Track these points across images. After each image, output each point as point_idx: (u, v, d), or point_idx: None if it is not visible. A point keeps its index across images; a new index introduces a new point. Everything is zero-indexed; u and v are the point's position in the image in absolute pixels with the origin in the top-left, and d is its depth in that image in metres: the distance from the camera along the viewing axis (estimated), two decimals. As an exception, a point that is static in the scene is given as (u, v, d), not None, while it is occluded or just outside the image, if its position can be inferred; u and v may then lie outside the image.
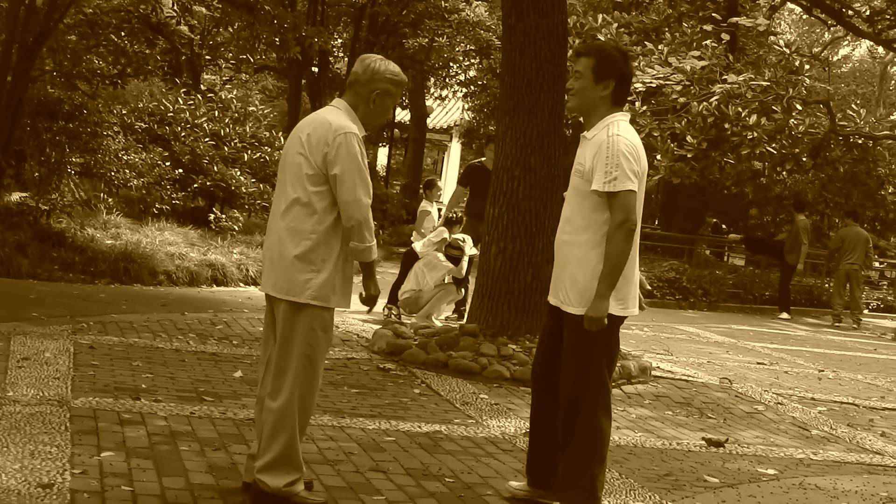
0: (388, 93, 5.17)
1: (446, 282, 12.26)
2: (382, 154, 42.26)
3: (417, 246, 12.59)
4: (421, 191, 22.21)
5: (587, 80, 5.13)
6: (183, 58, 26.60)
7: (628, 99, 16.54)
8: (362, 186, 4.90)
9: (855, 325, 20.00)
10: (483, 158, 13.89)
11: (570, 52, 5.51)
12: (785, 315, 20.05)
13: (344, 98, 5.21)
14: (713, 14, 17.91)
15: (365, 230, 4.91)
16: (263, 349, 5.22)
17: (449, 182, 36.05)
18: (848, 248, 20.27)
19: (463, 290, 12.56)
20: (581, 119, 5.33)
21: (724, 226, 30.98)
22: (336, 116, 5.04)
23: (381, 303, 13.24)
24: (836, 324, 20.19)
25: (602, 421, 5.08)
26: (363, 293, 5.18)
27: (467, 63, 32.18)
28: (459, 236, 12.33)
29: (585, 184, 5.05)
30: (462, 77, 32.99)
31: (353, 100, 5.16)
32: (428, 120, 36.77)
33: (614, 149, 4.97)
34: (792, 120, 17.95)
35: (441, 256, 12.18)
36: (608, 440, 5.16)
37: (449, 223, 12.50)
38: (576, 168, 5.16)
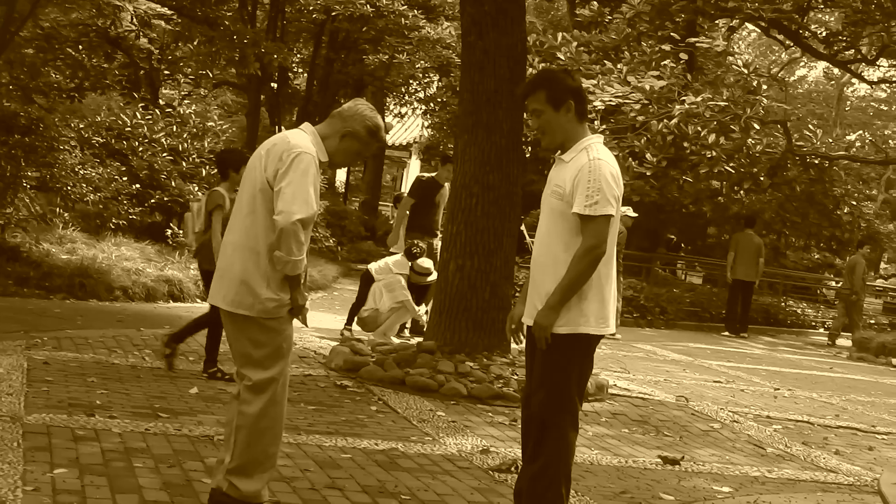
0: (358, 136, 5.14)
1: (403, 301, 12.18)
2: (341, 171, 42.21)
3: (373, 267, 12.52)
4: (392, 206, 22.24)
5: (549, 113, 5.06)
6: (141, 72, 26.45)
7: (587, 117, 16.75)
8: (300, 202, 4.81)
9: (830, 343, 20.71)
10: (434, 174, 13.60)
11: (519, 95, 5.41)
12: (727, 333, 20.15)
13: (319, 125, 5.18)
14: (672, 34, 18.02)
15: (292, 242, 4.81)
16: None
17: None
18: (845, 274, 21.58)
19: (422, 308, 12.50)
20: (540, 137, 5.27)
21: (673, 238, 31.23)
22: (298, 137, 4.99)
23: (338, 321, 13.20)
24: (829, 343, 20.99)
25: (570, 439, 5.05)
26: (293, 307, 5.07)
27: (427, 80, 32.24)
28: (425, 261, 12.26)
29: (566, 206, 4.97)
30: (422, 94, 33.05)
31: (326, 130, 5.14)
32: (387, 136, 36.80)
33: (597, 172, 4.90)
34: (750, 139, 18.09)
35: (403, 282, 12.09)
36: (573, 457, 5.14)
37: (411, 256, 12.32)
38: (553, 190, 5.07)
